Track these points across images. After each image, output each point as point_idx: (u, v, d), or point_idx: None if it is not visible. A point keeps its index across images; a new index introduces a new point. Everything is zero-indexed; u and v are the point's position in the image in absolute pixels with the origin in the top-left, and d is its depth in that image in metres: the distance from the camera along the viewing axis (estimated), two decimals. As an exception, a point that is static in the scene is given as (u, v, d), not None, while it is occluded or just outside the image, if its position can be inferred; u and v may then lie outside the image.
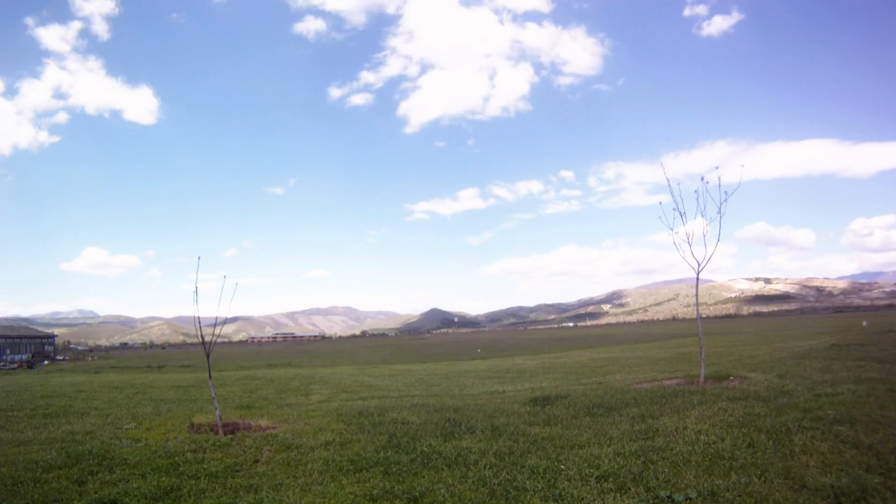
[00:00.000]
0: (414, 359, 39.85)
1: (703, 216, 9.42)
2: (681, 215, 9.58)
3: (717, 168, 9.30)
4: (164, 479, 4.91)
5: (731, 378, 9.67)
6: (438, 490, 4.44)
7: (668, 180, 9.62)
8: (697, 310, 11.42)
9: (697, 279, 9.99)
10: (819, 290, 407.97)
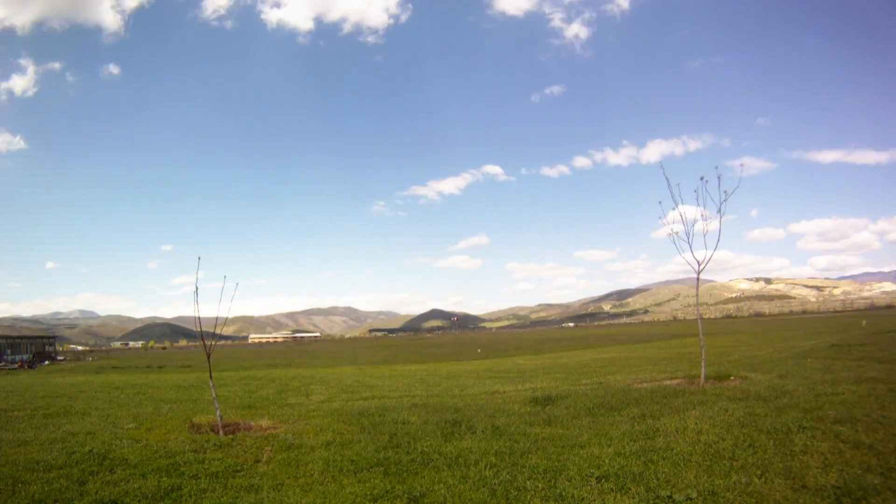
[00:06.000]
0: (414, 359, 39.84)
1: (702, 216, 9.42)
2: (681, 215, 9.57)
3: (716, 167, 9.30)
4: (164, 479, 4.91)
5: (732, 378, 9.66)
6: (439, 490, 4.44)
7: (667, 180, 9.61)
8: (698, 310, 11.39)
9: (698, 279, 9.98)
10: (819, 289, 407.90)
